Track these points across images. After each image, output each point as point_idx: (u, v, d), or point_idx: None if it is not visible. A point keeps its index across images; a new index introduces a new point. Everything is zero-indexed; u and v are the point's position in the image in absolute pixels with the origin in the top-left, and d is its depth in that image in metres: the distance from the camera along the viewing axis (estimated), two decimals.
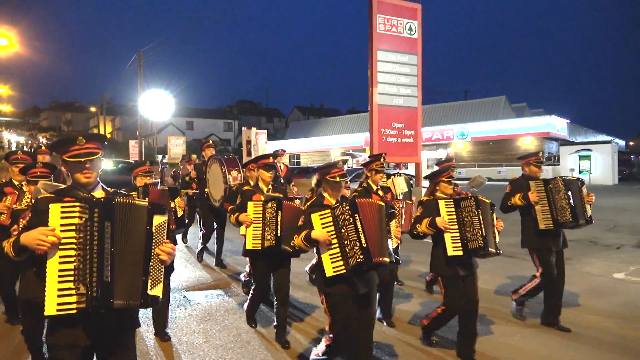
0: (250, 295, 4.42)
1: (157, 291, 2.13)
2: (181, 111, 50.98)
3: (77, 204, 2.06)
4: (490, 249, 3.67)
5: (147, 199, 4.10)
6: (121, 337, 2.25)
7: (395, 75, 10.48)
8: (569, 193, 4.36)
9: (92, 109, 59.96)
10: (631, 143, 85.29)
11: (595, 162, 24.28)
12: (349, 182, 4.24)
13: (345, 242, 2.96)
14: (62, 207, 2.04)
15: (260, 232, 4.01)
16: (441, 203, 3.70)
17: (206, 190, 6.77)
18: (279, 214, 4.00)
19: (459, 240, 3.64)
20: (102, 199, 2.14)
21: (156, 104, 26.92)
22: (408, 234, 4.02)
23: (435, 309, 3.96)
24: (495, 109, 34.08)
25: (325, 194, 3.23)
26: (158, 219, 2.18)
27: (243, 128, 19.85)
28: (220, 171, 6.11)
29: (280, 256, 4.11)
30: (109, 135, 58.26)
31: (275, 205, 4.02)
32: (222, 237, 7.17)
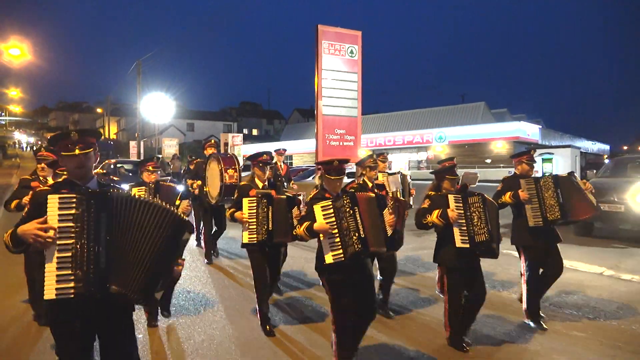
0: (256, 294, 4.45)
1: (158, 295, 2.35)
2: (182, 113, 53.21)
3: (74, 195, 2.14)
4: (493, 244, 3.84)
5: (158, 195, 4.45)
6: (120, 320, 2.33)
7: (338, 90, 12.75)
8: (558, 191, 4.42)
9: (99, 110, 62.20)
10: (625, 147, 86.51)
11: (556, 165, 26.23)
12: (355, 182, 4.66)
13: (345, 232, 3.15)
14: (59, 198, 2.12)
15: (255, 227, 4.24)
16: (450, 198, 3.82)
17: (205, 188, 6.81)
18: (270, 209, 4.27)
19: (466, 234, 3.77)
20: (97, 190, 2.25)
21: (157, 106, 28.84)
22: (415, 224, 4.11)
23: (444, 315, 4.01)
24: (475, 114, 36.10)
25: (327, 187, 3.43)
26: (187, 235, 2.39)
27: (221, 133, 22.02)
28: (218, 169, 6.19)
29: (274, 247, 4.45)
30: (114, 136, 60.68)
31: (266, 201, 4.29)
32: (220, 232, 7.36)
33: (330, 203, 3.18)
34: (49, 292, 2.05)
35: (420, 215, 3.96)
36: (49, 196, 2.12)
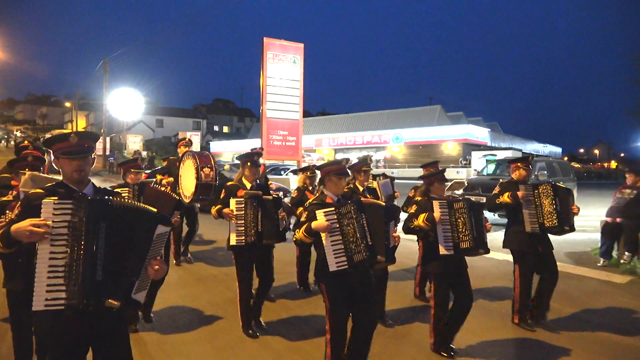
0: (238, 296, 4.32)
1: (140, 296, 2.17)
2: (152, 110, 53.70)
3: (70, 201, 2.04)
4: (480, 250, 3.84)
5: (142, 197, 4.27)
6: (113, 331, 2.22)
7: (281, 96, 14.35)
8: (557, 199, 4.46)
9: (67, 104, 61.83)
10: (581, 150, 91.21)
11: None
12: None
13: (351, 239, 3.03)
14: (55, 203, 2.01)
15: (243, 228, 4.14)
16: (435, 204, 3.77)
17: (178, 189, 6.47)
18: (259, 210, 4.19)
19: (451, 240, 3.73)
20: (97, 198, 2.13)
21: (126, 103, 29.46)
22: (402, 228, 4.01)
23: (430, 322, 3.96)
24: (431, 117, 38.23)
25: (327, 192, 3.31)
26: (161, 229, 2.20)
27: (191, 129, 23.04)
28: (194, 167, 6.00)
29: (263, 249, 4.31)
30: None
31: (255, 202, 4.20)
32: (193, 232, 7.33)
33: (333, 209, 3.07)
34: (38, 303, 1.95)
35: (407, 220, 3.95)
36: (44, 200, 2.02)
